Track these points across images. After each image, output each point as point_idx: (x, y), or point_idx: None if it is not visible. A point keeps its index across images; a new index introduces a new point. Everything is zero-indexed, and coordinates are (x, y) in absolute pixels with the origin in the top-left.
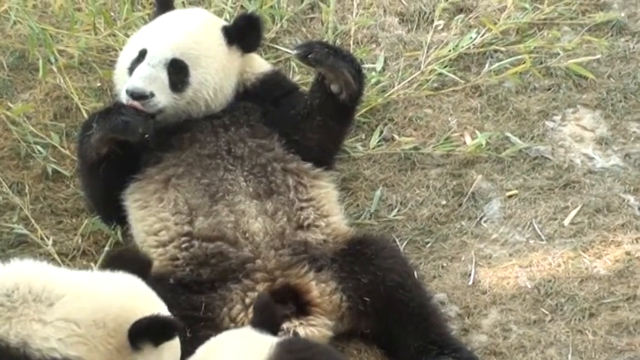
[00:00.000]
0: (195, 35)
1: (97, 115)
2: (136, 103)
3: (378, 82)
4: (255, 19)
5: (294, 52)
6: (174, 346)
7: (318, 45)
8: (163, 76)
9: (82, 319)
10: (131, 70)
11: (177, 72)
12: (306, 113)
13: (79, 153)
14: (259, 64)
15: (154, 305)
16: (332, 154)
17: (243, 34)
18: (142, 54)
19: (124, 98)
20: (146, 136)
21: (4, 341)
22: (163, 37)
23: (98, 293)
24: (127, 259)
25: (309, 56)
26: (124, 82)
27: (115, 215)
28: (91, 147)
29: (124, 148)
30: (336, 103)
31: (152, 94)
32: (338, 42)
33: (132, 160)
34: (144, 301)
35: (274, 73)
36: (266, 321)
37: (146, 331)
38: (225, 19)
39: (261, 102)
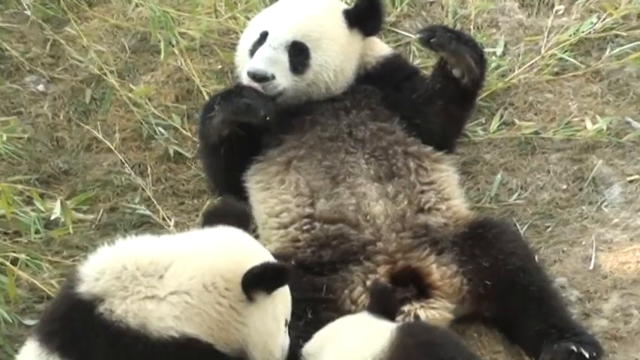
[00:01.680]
0: (317, 18)
1: (219, 96)
2: (257, 85)
3: (498, 67)
4: (376, 2)
5: (417, 36)
6: (285, 295)
7: (440, 29)
8: (284, 58)
9: (192, 287)
10: (252, 52)
11: (298, 54)
12: (428, 97)
13: (201, 134)
14: (380, 48)
15: (260, 254)
16: (453, 137)
17: (365, 17)
18: (264, 36)
19: (245, 80)
20: (267, 118)
21: (123, 322)
22: (285, 19)
23: (203, 254)
24: (224, 212)
25: (432, 41)
26: (244, 65)
27: (237, 197)
28: (213, 128)
29: (245, 130)
30: (457, 88)
31: (273, 76)
32: (458, 26)
33: (253, 141)
34: (250, 251)
35: (395, 56)
36: (382, 306)
37: (260, 279)
38: (346, 3)
39: (382, 85)
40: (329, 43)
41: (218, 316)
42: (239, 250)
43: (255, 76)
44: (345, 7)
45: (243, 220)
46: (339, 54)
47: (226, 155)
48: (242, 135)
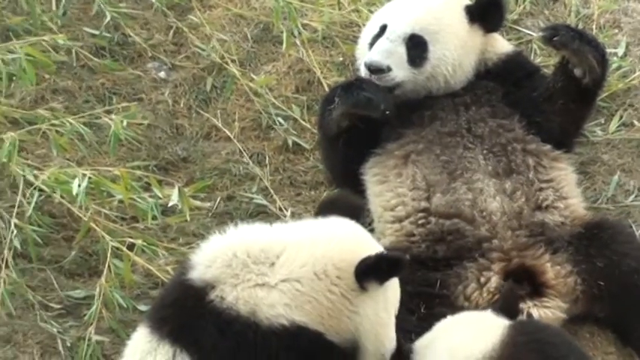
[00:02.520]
0: (436, 12)
1: (339, 88)
2: (373, 77)
3: (619, 67)
4: None
5: (540, 34)
6: (395, 286)
7: (563, 28)
8: (402, 50)
9: (303, 275)
10: (372, 45)
11: (416, 47)
12: (548, 95)
13: (320, 125)
14: (501, 45)
15: (372, 245)
16: (572, 137)
17: (486, 13)
18: (383, 29)
19: (363, 72)
20: (387, 112)
21: (234, 309)
22: (404, 12)
23: (315, 242)
24: (338, 203)
25: (555, 39)
26: (362, 61)
27: (354, 189)
28: (333, 120)
29: (364, 123)
30: (578, 87)
31: (389, 68)
32: (580, 25)
33: (372, 134)
34: (362, 242)
35: (516, 53)
36: (508, 308)
37: (374, 269)
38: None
39: (503, 82)
40: (448, 36)
41: (329, 304)
42: (352, 240)
43: (371, 68)
44: (467, 2)
45: (356, 213)
46: (458, 48)
47: (345, 147)
48: (361, 128)
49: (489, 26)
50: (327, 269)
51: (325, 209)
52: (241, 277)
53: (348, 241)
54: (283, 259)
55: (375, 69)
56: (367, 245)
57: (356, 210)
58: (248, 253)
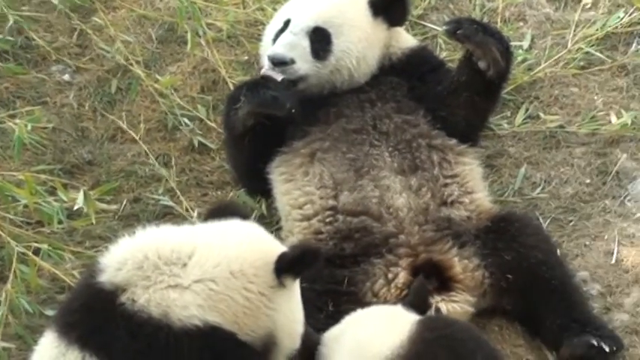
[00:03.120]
0: (339, 5)
1: (245, 87)
2: (276, 71)
3: (524, 60)
4: None
5: (443, 28)
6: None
7: (467, 21)
8: (305, 43)
9: (218, 274)
10: (275, 40)
11: (320, 40)
12: (453, 89)
13: (225, 125)
14: (406, 39)
15: (277, 242)
16: (477, 130)
17: (390, 7)
18: (286, 24)
19: (266, 66)
20: (293, 111)
21: (145, 312)
22: (307, 6)
23: (227, 243)
24: (229, 210)
25: (458, 32)
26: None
27: (260, 188)
28: (238, 119)
29: (270, 121)
30: (483, 80)
31: (292, 61)
32: (485, 19)
33: (278, 132)
34: (271, 240)
35: (421, 48)
36: (418, 303)
37: (293, 263)
38: None
39: (408, 77)
40: (351, 29)
41: (245, 302)
42: (263, 239)
43: (274, 60)
44: None
45: (246, 219)
46: (362, 41)
47: (250, 146)
48: (267, 126)
49: (393, 20)
50: (244, 268)
51: (213, 215)
52: (153, 279)
53: (260, 240)
54: (195, 259)
55: (278, 61)
56: (276, 243)
57: (243, 215)
58: (159, 255)
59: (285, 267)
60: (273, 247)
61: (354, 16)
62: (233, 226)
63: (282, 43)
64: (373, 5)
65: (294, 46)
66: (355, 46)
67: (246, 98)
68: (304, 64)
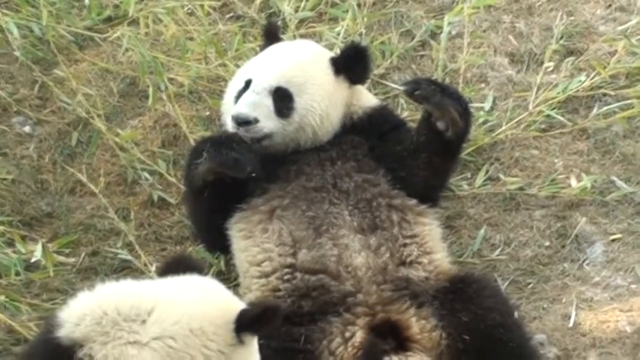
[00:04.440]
0: (301, 64)
1: (209, 144)
2: (241, 130)
3: (485, 122)
4: (362, 49)
5: (402, 88)
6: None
7: (425, 82)
8: (268, 102)
9: (177, 331)
10: (237, 99)
11: (282, 99)
12: (412, 149)
13: (186, 178)
14: (367, 98)
15: (237, 299)
16: (437, 191)
17: (351, 64)
18: (248, 83)
19: (230, 125)
20: (253, 175)
21: None
22: (268, 66)
23: (188, 300)
24: (184, 264)
25: (416, 93)
26: (228, 115)
27: (219, 244)
28: (198, 174)
29: (230, 178)
30: (442, 141)
31: (256, 120)
32: (447, 80)
33: (238, 189)
34: (231, 297)
35: (382, 107)
36: None
37: (254, 320)
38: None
39: (368, 136)
40: (313, 87)
41: (204, 359)
42: (224, 296)
43: (238, 120)
44: (333, 55)
45: (200, 273)
46: (325, 99)
47: (209, 201)
48: (226, 182)
49: (355, 79)
50: (204, 326)
51: (169, 270)
52: (112, 335)
53: (219, 297)
54: (155, 316)
55: (242, 121)
56: (235, 300)
57: (200, 270)
58: (118, 311)
59: (246, 325)
60: (233, 305)
61: (316, 74)
62: (193, 282)
63: (245, 103)
64: (335, 64)
65: (258, 105)
66: (318, 104)
67: (208, 155)
68: (268, 123)
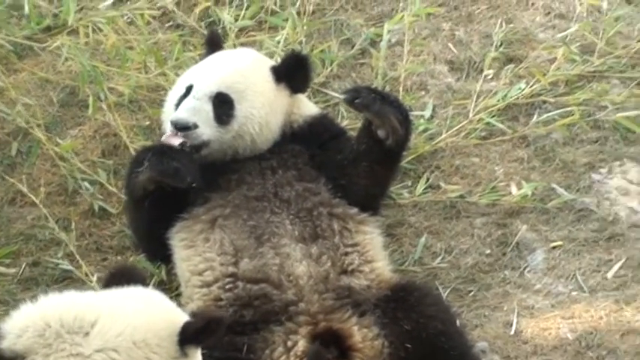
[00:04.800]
0: (242, 70)
1: (150, 152)
2: (179, 136)
3: (425, 130)
4: (303, 58)
5: (342, 96)
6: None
7: (365, 90)
8: (208, 108)
9: (120, 344)
10: (177, 105)
11: (222, 105)
12: (353, 158)
13: (127, 187)
14: (307, 107)
15: (179, 310)
16: (378, 199)
17: (291, 72)
18: (189, 90)
19: (168, 131)
20: (193, 185)
21: None
22: (209, 72)
23: (131, 312)
24: (127, 275)
25: (356, 101)
26: (168, 120)
27: (160, 253)
28: (139, 183)
29: (171, 187)
30: (382, 149)
31: (195, 126)
32: (387, 88)
33: (179, 198)
34: (174, 309)
35: (322, 116)
36: None
37: (198, 332)
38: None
39: (309, 145)
40: (254, 95)
41: None
42: (167, 308)
43: (177, 125)
44: (273, 63)
45: (143, 283)
46: (265, 106)
47: (151, 210)
48: (167, 191)
49: (295, 87)
50: (147, 337)
51: (112, 280)
52: (55, 347)
53: (163, 309)
54: (98, 328)
55: (180, 126)
56: (178, 311)
57: (142, 279)
58: (62, 323)
59: (190, 337)
60: (177, 317)
61: (257, 81)
62: (136, 293)
63: (185, 108)
64: (276, 72)
65: (197, 110)
66: (258, 112)
67: (149, 164)
68: (207, 129)
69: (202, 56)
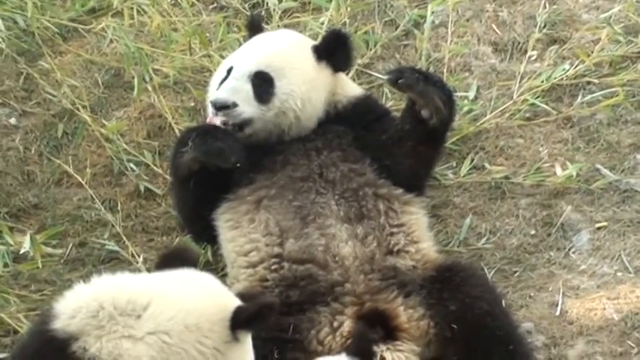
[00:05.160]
0: (281, 50)
1: (195, 133)
2: (220, 116)
3: (470, 111)
4: (343, 36)
5: (386, 77)
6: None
7: (408, 70)
8: (247, 87)
9: (172, 327)
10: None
11: (262, 83)
12: (397, 138)
13: (172, 167)
14: (351, 88)
15: (232, 295)
16: (423, 179)
17: (332, 51)
18: (229, 71)
19: (209, 111)
20: (238, 165)
21: None
22: (249, 52)
23: (184, 295)
24: (180, 257)
25: (400, 81)
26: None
27: (206, 234)
28: (184, 164)
29: (216, 167)
30: (426, 129)
31: (235, 104)
32: (431, 69)
33: (224, 178)
34: (226, 294)
35: (366, 97)
36: (361, 351)
37: (250, 318)
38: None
39: (353, 126)
40: (293, 71)
41: (199, 355)
42: (220, 292)
43: (216, 105)
44: (315, 43)
45: (195, 264)
46: (306, 83)
47: (195, 190)
48: (212, 172)
49: (337, 65)
50: (199, 322)
51: (165, 262)
52: (107, 329)
53: (216, 294)
54: (150, 311)
55: (220, 106)
56: (230, 296)
57: (195, 261)
58: (114, 305)
59: (242, 323)
60: (229, 301)
61: (297, 59)
62: (189, 277)
63: (224, 89)
64: (317, 50)
65: (237, 90)
66: (299, 88)
67: (193, 144)
68: (248, 108)
69: (244, 39)
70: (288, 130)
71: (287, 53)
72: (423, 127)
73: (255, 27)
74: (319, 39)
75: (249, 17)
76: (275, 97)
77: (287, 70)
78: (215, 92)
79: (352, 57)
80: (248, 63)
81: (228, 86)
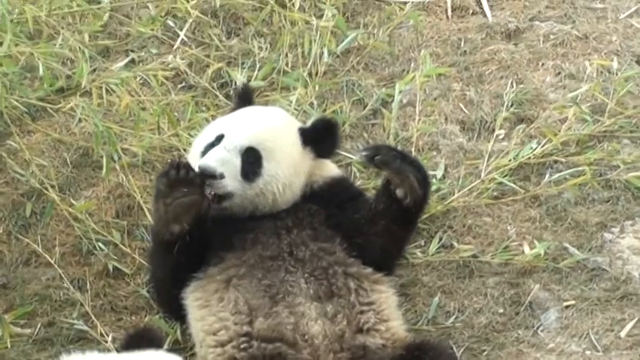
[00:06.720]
0: (274, 129)
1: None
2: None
3: (438, 190)
4: (333, 125)
5: (362, 154)
6: None
7: (385, 148)
8: (237, 162)
9: None
10: (204, 153)
11: (251, 161)
12: (370, 217)
13: (153, 230)
14: (329, 168)
15: None
16: (394, 259)
17: (319, 138)
18: (219, 139)
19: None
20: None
21: None
22: (243, 125)
23: None
24: (147, 337)
25: (376, 158)
26: (195, 165)
27: (177, 312)
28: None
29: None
30: (400, 208)
31: (222, 176)
32: (399, 148)
33: (194, 257)
34: None
35: (342, 178)
36: None
37: None
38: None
39: (326, 205)
40: (282, 155)
41: None
42: None
43: (204, 172)
44: (301, 124)
45: (160, 345)
46: (290, 168)
47: (179, 254)
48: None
49: (321, 152)
50: None
51: (131, 342)
52: None
53: None
54: None
55: (207, 174)
56: None
57: (161, 342)
58: None
59: None
60: None
61: (287, 142)
62: (155, 357)
63: (215, 157)
64: (303, 134)
65: (226, 162)
66: (283, 173)
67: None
68: (232, 182)
69: (232, 108)
70: (262, 208)
71: (279, 135)
72: (397, 206)
73: (245, 97)
74: (308, 122)
75: (240, 86)
76: (260, 178)
77: (277, 152)
78: (204, 158)
79: (338, 146)
80: (241, 136)
81: (219, 156)
